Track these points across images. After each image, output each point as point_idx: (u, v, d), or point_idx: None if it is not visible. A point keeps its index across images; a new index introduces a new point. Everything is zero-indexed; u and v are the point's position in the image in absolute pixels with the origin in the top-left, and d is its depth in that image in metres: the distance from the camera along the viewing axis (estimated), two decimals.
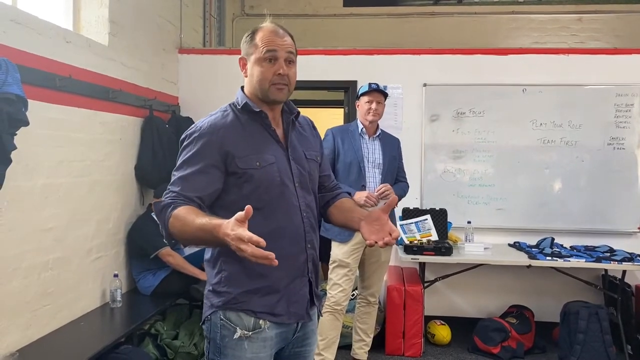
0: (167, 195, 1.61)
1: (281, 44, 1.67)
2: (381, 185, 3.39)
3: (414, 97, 4.76)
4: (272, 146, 1.71)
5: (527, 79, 4.66)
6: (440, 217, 4.43)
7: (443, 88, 4.73)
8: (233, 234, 1.32)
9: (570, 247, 4.43)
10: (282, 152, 1.72)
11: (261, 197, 1.65)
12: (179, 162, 1.68)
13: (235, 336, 1.64)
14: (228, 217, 1.39)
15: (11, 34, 2.71)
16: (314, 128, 1.94)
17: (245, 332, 1.64)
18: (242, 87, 1.79)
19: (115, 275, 3.66)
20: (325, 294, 3.58)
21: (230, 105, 1.76)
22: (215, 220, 1.41)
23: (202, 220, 1.45)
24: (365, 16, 6.32)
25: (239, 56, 1.75)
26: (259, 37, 1.68)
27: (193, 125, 1.72)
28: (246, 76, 1.74)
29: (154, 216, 4.05)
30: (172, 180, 1.66)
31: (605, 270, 4.35)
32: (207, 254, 1.74)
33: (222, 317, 1.66)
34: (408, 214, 4.44)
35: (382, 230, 1.65)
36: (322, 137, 3.56)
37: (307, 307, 1.75)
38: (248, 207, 1.34)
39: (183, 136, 1.71)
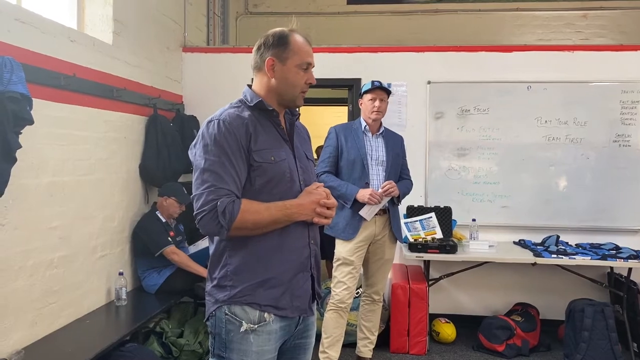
0: (218, 193, 1.60)
1: (312, 54, 1.78)
2: (385, 183, 3.39)
3: (418, 95, 4.75)
4: (282, 143, 1.78)
5: (531, 76, 4.64)
6: (444, 215, 4.43)
7: (447, 85, 4.72)
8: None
9: (576, 244, 4.41)
10: (289, 150, 1.79)
11: (271, 191, 1.70)
12: (209, 155, 1.64)
13: (241, 330, 1.67)
14: None
15: (16, 33, 2.72)
16: (308, 135, 2.00)
17: (251, 325, 1.67)
18: (249, 85, 1.83)
19: (120, 274, 3.67)
20: (330, 292, 3.58)
21: (240, 101, 1.79)
22: (290, 201, 1.70)
23: (278, 204, 1.67)
24: (369, 14, 6.32)
25: (266, 56, 1.76)
26: (296, 45, 1.74)
27: (212, 118, 1.71)
28: (271, 77, 1.76)
29: (159, 214, 4.08)
30: (208, 175, 1.63)
31: (611, 268, 4.33)
32: (211, 249, 1.75)
33: (227, 311, 1.68)
34: (412, 212, 4.44)
35: None
36: (326, 134, 3.59)
37: (310, 302, 1.80)
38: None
39: (205, 128, 1.69)
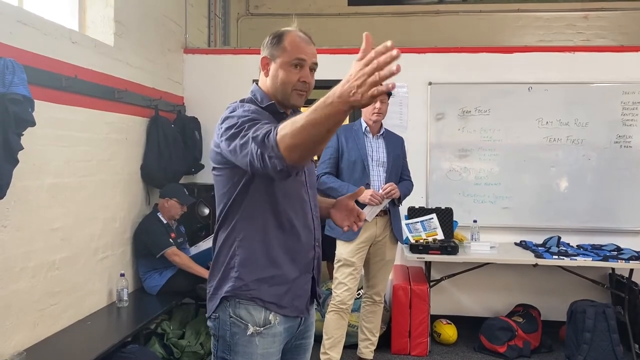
0: (254, 136, 1.45)
1: (309, 52, 1.71)
2: (387, 185, 3.39)
3: (419, 96, 4.75)
4: None
5: (532, 77, 4.64)
6: (446, 216, 4.42)
7: (448, 86, 4.72)
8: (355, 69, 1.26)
9: (577, 245, 4.40)
10: None
11: (283, 192, 1.68)
12: (242, 126, 1.52)
13: (248, 333, 1.66)
14: (253, 213, 1.64)
15: (17, 35, 2.72)
16: None
17: (257, 328, 1.66)
18: (256, 84, 1.80)
19: (122, 275, 3.67)
20: (331, 293, 3.58)
21: (251, 100, 1.75)
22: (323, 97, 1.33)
23: (310, 109, 1.33)
24: (370, 15, 6.32)
25: (261, 55, 1.76)
26: (288, 42, 1.70)
27: (233, 107, 1.65)
28: (266, 76, 1.75)
29: (160, 216, 4.08)
30: (250, 133, 1.47)
31: (612, 269, 4.33)
32: (221, 238, 1.71)
33: (231, 314, 1.67)
34: (414, 213, 4.43)
35: (351, 215, 1.84)
36: None
37: (308, 303, 1.80)
38: None
39: (223, 117, 1.62)
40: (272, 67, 1.73)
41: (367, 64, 1.24)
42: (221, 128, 1.60)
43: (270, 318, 1.68)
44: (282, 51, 1.70)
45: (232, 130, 1.54)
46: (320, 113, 1.30)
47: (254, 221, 1.67)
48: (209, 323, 1.75)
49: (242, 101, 1.74)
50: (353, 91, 1.26)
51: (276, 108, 1.73)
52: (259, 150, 1.42)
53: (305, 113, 1.35)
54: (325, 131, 1.33)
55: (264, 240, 1.67)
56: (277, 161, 1.39)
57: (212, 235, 1.79)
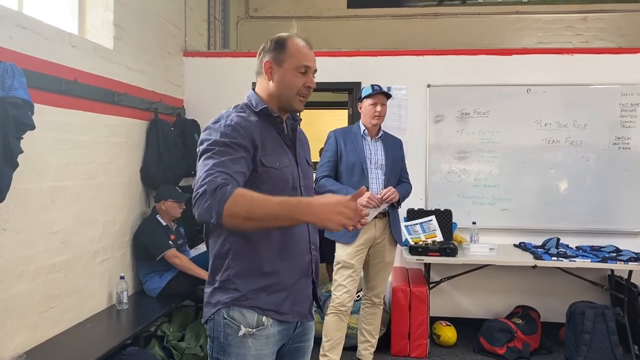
0: (215, 175, 1.53)
1: (313, 58, 1.77)
2: (385, 190, 3.38)
3: (418, 98, 4.76)
4: (285, 150, 1.78)
5: (531, 79, 4.65)
6: (445, 218, 4.43)
7: (447, 89, 4.73)
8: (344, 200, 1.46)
9: (576, 247, 4.41)
10: (291, 157, 1.79)
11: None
12: (212, 148, 1.61)
13: (240, 334, 1.67)
14: None
15: (17, 39, 2.74)
16: (307, 140, 2.00)
17: (249, 329, 1.67)
18: (253, 89, 1.83)
19: (122, 277, 3.68)
20: (330, 295, 3.58)
21: (246, 105, 1.78)
22: (296, 198, 1.53)
23: (279, 198, 1.51)
24: (369, 17, 6.34)
25: (261, 59, 1.78)
26: (293, 48, 1.74)
27: (220, 117, 1.71)
28: (269, 79, 1.77)
29: (159, 218, 4.08)
30: (212, 164, 1.57)
31: (612, 271, 4.33)
32: (213, 251, 1.73)
33: (225, 315, 1.68)
34: (413, 214, 4.44)
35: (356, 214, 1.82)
36: (325, 139, 3.60)
37: (310, 307, 1.80)
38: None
39: (212, 124, 1.69)
40: (278, 72, 1.75)
41: (347, 207, 1.46)
42: (200, 145, 1.66)
43: (263, 320, 1.68)
44: (288, 57, 1.73)
45: (204, 146, 1.63)
46: (286, 210, 1.48)
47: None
48: (205, 325, 1.77)
49: (235, 107, 1.76)
50: (324, 217, 1.46)
51: (269, 112, 1.75)
52: (206, 192, 1.51)
53: (276, 200, 1.49)
54: (277, 225, 1.53)
55: (258, 249, 1.68)
56: (214, 215, 1.48)
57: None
